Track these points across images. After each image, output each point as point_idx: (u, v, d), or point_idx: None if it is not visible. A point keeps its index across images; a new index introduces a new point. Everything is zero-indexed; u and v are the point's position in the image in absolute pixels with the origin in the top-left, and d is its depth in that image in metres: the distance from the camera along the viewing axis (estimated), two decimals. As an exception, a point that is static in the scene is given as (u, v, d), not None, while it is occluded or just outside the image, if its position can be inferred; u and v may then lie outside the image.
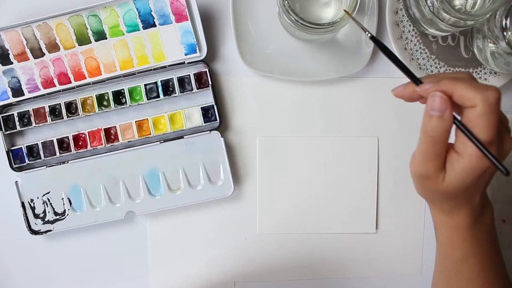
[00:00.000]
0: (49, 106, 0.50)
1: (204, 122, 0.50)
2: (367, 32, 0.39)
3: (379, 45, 0.38)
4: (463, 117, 0.33)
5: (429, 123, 0.33)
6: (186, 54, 0.49)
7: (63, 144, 0.50)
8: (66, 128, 0.51)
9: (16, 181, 0.50)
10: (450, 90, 0.32)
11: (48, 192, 0.50)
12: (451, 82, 0.32)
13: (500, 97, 0.32)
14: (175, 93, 0.50)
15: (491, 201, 0.52)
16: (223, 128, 0.52)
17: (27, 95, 0.49)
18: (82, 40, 0.49)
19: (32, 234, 0.50)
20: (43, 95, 0.50)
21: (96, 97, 0.50)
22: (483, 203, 0.38)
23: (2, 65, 0.49)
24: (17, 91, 0.49)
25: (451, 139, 0.34)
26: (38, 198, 0.50)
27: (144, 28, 0.49)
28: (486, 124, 0.31)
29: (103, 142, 0.50)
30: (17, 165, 0.50)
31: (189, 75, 0.50)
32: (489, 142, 0.32)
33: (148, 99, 0.50)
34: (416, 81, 0.34)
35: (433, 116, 0.33)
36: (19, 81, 0.49)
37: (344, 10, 0.43)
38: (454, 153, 0.34)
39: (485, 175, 0.34)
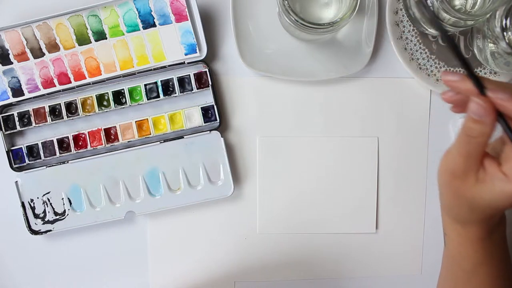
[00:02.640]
0: (49, 106, 0.50)
1: (204, 122, 0.50)
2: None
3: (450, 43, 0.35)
4: None
5: (467, 122, 0.32)
6: (186, 54, 0.49)
7: (63, 144, 0.50)
8: (66, 128, 0.51)
9: (16, 181, 0.50)
10: (504, 105, 0.31)
11: (48, 192, 0.50)
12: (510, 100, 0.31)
13: None
14: (175, 93, 0.50)
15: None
16: (223, 128, 0.52)
17: (27, 95, 0.49)
18: (82, 40, 0.49)
19: (32, 234, 0.50)
20: (43, 95, 0.50)
21: (96, 97, 0.50)
22: (500, 218, 0.37)
23: (2, 65, 0.49)
24: (17, 91, 0.49)
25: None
26: (38, 198, 0.50)
27: (144, 28, 0.49)
28: None
29: (103, 142, 0.50)
30: (17, 165, 0.50)
31: (189, 75, 0.50)
32: None
33: (148, 99, 0.50)
34: (481, 88, 0.32)
35: (471, 117, 0.32)
36: (19, 81, 0.49)
37: None
38: (500, 172, 0.32)
39: None
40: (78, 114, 0.50)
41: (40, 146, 0.50)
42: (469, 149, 0.33)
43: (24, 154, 0.50)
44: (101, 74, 0.50)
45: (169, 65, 0.50)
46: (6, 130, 0.50)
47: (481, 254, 0.37)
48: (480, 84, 0.32)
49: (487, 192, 0.32)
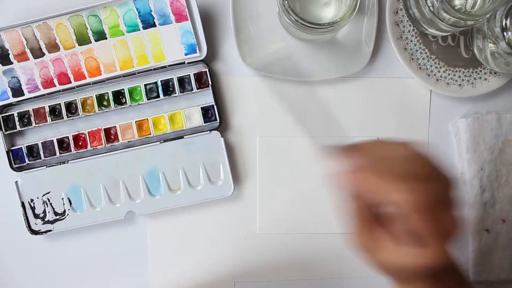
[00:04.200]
0: (49, 106, 0.50)
1: (204, 122, 0.50)
2: None
3: None
4: None
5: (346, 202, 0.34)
6: (186, 54, 0.49)
7: (63, 144, 0.50)
8: (66, 128, 0.51)
9: (16, 181, 0.50)
10: (364, 186, 0.33)
11: (48, 192, 0.50)
12: (370, 177, 0.32)
13: (423, 200, 0.31)
14: (175, 93, 0.50)
15: (491, 201, 0.53)
16: (223, 128, 0.52)
17: (27, 95, 0.49)
18: (82, 40, 0.49)
19: (32, 234, 0.50)
20: (43, 95, 0.50)
21: (96, 97, 0.50)
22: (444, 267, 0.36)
23: (2, 65, 0.49)
24: (17, 91, 0.49)
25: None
26: (38, 198, 0.50)
27: (144, 28, 0.49)
28: (415, 232, 0.31)
29: (103, 142, 0.50)
30: (17, 165, 0.50)
31: (189, 75, 0.50)
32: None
33: (148, 99, 0.50)
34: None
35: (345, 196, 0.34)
36: (19, 81, 0.49)
37: None
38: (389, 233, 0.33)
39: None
40: (78, 114, 0.50)
41: (40, 146, 0.50)
42: (358, 225, 0.34)
43: (24, 154, 0.50)
44: (101, 74, 0.50)
45: (169, 65, 0.50)
46: (6, 130, 0.50)
47: None
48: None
49: (390, 260, 0.33)
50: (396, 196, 0.31)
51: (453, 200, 0.33)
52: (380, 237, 0.33)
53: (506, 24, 0.44)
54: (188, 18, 0.49)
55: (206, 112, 0.50)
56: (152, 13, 0.49)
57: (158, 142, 0.50)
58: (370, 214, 0.34)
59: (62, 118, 0.50)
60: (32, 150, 0.50)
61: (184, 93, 0.50)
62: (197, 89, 0.50)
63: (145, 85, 0.50)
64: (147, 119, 0.50)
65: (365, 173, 0.32)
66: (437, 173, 0.33)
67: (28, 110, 0.50)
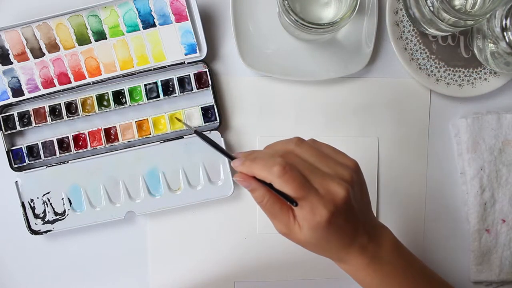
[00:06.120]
0: (49, 106, 0.50)
1: (204, 122, 0.50)
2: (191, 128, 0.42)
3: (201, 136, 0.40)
4: None
5: (252, 195, 0.37)
6: (186, 54, 0.49)
7: (63, 144, 0.50)
8: (66, 128, 0.51)
9: (16, 181, 0.50)
10: (250, 172, 0.36)
11: (48, 192, 0.50)
12: (250, 164, 0.36)
13: (286, 166, 0.34)
14: (175, 93, 0.50)
15: (491, 201, 0.53)
16: (223, 128, 0.52)
17: (27, 95, 0.49)
18: (82, 40, 0.49)
19: (32, 234, 0.50)
20: (43, 95, 0.50)
21: (96, 97, 0.50)
22: (371, 239, 0.38)
23: (2, 65, 0.49)
24: (17, 91, 0.49)
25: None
26: (38, 198, 0.50)
27: (144, 28, 0.49)
28: (290, 192, 0.34)
29: (103, 142, 0.50)
30: (17, 165, 0.50)
31: (189, 75, 0.50)
32: (299, 199, 0.35)
33: (148, 99, 0.50)
34: (231, 157, 0.38)
35: (249, 190, 0.36)
36: (19, 81, 0.49)
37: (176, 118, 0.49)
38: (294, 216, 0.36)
39: (335, 221, 0.35)
40: (78, 114, 0.50)
41: (40, 146, 0.50)
42: (271, 212, 0.36)
43: (24, 154, 0.50)
44: (101, 74, 0.50)
45: (169, 65, 0.50)
46: (6, 130, 0.50)
47: (378, 278, 0.38)
48: (229, 156, 0.38)
49: (307, 234, 0.36)
50: (263, 172, 0.35)
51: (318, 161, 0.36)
52: (288, 222, 0.36)
53: (506, 24, 0.44)
54: (188, 18, 0.49)
55: (206, 112, 0.50)
56: (152, 13, 0.49)
57: (158, 142, 0.50)
58: (275, 202, 0.36)
59: (62, 118, 0.50)
60: (32, 150, 0.50)
61: (184, 93, 0.50)
62: (197, 89, 0.50)
63: (145, 85, 0.50)
64: (147, 119, 0.50)
65: (245, 162, 0.36)
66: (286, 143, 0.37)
67: (28, 110, 0.50)
